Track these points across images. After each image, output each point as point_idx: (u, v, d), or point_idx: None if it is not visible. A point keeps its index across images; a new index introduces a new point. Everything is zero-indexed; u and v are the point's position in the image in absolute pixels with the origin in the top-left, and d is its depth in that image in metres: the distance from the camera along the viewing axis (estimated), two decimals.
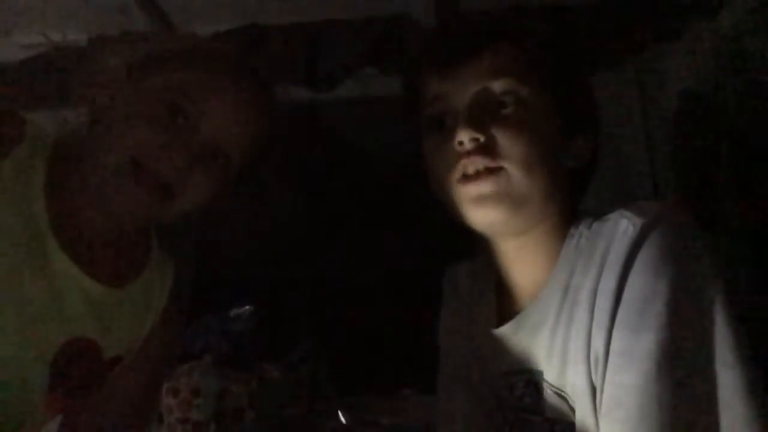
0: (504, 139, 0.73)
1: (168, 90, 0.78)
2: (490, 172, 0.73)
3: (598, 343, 0.66)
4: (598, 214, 0.75)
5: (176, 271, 0.95)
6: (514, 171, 0.73)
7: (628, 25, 1.44)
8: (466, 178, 0.74)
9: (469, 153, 0.73)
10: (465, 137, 0.73)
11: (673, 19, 1.42)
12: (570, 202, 0.80)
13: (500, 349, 0.81)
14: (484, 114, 0.74)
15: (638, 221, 0.67)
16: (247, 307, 1.77)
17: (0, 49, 1.60)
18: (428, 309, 1.01)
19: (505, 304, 0.84)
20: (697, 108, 1.35)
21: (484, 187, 0.73)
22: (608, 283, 0.67)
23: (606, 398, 0.65)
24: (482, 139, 0.73)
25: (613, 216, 0.71)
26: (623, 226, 0.68)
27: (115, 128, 0.77)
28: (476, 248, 0.92)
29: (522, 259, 0.80)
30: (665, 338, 0.61)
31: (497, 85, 0.75)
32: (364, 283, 1.99)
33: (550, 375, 0.75)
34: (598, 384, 0.67)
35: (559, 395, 0.73)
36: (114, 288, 0.85)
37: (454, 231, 0.81)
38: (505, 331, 0.80)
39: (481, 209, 0.74)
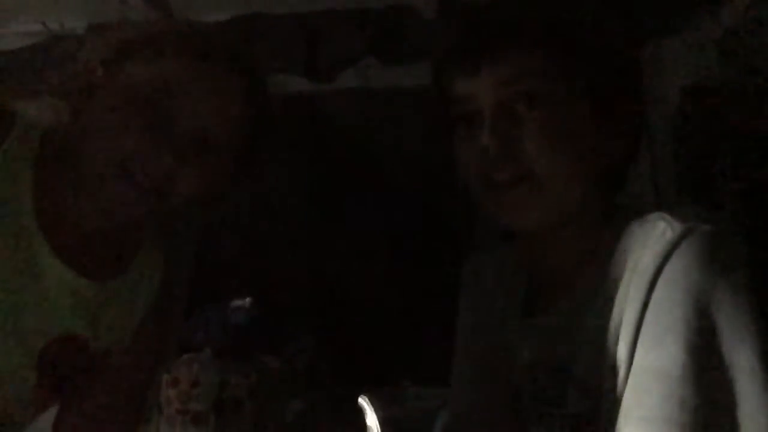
0: (532, 144, 0.71)
1: (146, 86, 0.75)
2: (520, 179, 0.72)
3: (623, 343, 0.66)
4: (636, 211, 0.74)
5: (168, 263, 0.94)
6: (544, 174, 0.71)
7: (629, 19, 1.44)
8: (496, 184, 0.73)
9: (496, 159, 0.72)
10: (490, 143, 0.71)
11: (674, 14, 1.42)
12: (606, 196, 0.79)
13: (526, 340, 0.80)
14: (509, 117, 0.72)
15: (677, 225, 0.66)
16: (247, 299, 1.78)
17: None
18: (429, 301, 1.02)
19: (532, 295, 0.83)
20: (699, 105, 1.35)
21: (514, 195, 0.72)
22: (640, 285, 0.66)
23: (628, 397, 0.64)
24: (508, 144, 0.71)
25: (652, 217, 0.70)
26: (661, 228, 0.67)
27: (99, 127, 0.76)
28: (493, 240, 0.91)
29: (553, 254, 0.79)
30: (694, 343, 0.61)
31: (523, 86, 0.72)
32: (364, 275, 1.99)
33: (577, 369, 0.74)
34: (620, 382, 0.66)
35: (585, 389, 0.73)
36: (101, 282, 0.84)
37: (453, 225, 0.81)
38: (533, 323, 0.80)
39: (512, 215, 0.74)
